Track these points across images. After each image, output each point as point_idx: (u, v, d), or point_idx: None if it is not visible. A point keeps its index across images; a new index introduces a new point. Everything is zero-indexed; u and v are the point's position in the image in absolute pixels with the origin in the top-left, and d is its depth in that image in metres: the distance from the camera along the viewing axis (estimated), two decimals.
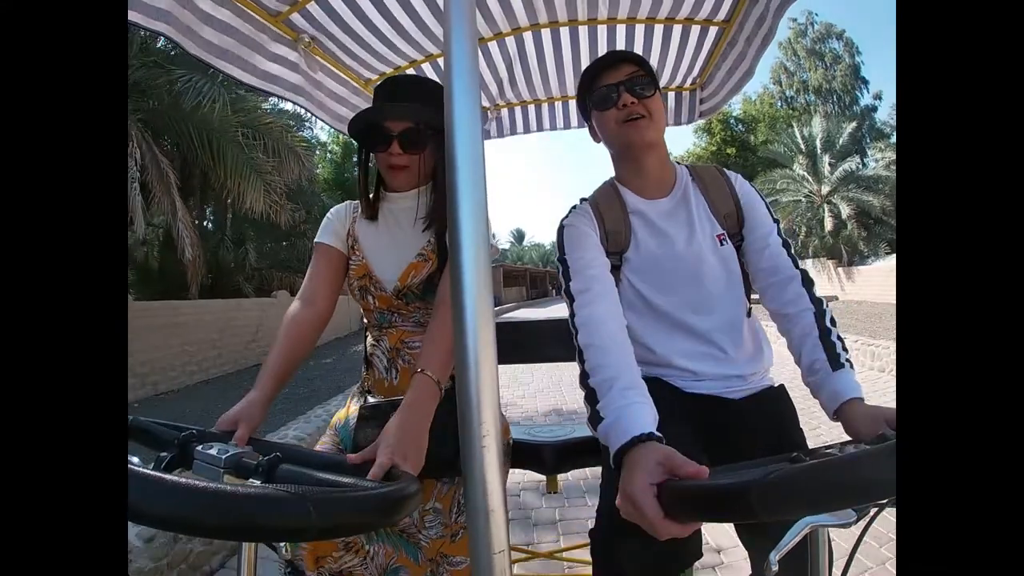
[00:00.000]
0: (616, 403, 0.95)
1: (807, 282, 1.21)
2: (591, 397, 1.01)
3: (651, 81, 1.28)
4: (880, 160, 18.06)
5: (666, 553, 0.98)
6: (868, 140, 21.57)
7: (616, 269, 1.29)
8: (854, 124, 24.90)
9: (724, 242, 1.29)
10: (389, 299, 1.38)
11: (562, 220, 1.34)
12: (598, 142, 1.40)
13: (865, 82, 29.24)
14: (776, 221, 1.31)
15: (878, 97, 28.88)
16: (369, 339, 1.45)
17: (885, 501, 0.60)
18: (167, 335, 8.30)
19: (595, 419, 0.97)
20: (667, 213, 1.31)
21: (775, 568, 0.70)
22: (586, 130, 1.49)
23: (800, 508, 0.61)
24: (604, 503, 1.17)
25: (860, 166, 23.44)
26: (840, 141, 24.35)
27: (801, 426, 1.28)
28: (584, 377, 1.05)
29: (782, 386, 1.35)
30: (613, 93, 1.28)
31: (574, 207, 1.37)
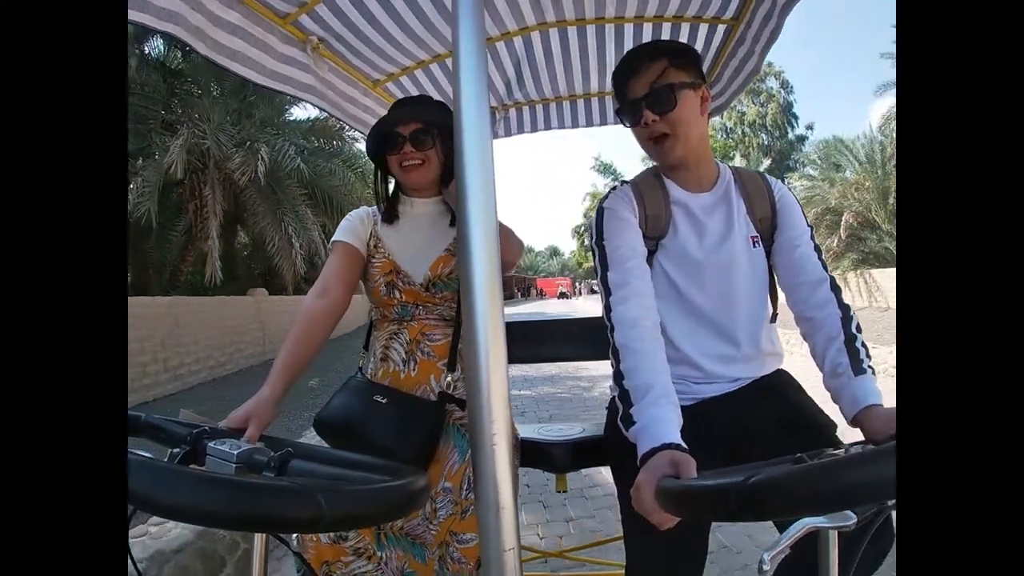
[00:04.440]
0: (648, 411, 1.01)
1: (835, 287, 1.20)
2: (625, 398, 1.06)
3: (670, 88, 1.20)
4: (794, 188, 19.78)
5: (670, 549, 1.09)
6: (800, 168, 23.68)
7: (651, 254, 1.29)
8: (769, 161, 28.59)
9: (756, 244, 1.29)
10: (416, 292, 1.44)
11: (601, 202, 1.33)
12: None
13: (795, 116, 32.45)
14: (810, 227, 1.31)
15: (810, 127, 32.48)
16: (383, 335, 1.48)
17: (889, 504, 0.60)
18: (289, 318, 11.03)
19: (627, 420, 1.03)
20: (708, 208, 1.30)
21: (767, 567, 0.70)
22: (573, 130, 1.50)
23: (782, 510, 0.60)
24: (623, 503, 1.23)
25: None
26: None
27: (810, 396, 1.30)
28: (619, 377, 1.09)
29: (782, 369, 1.36)
30: (637, 110, 1.23)
31: (614, 188, 1.35)
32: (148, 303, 8.19)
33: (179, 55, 10.85)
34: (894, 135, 16.32)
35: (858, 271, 15.07)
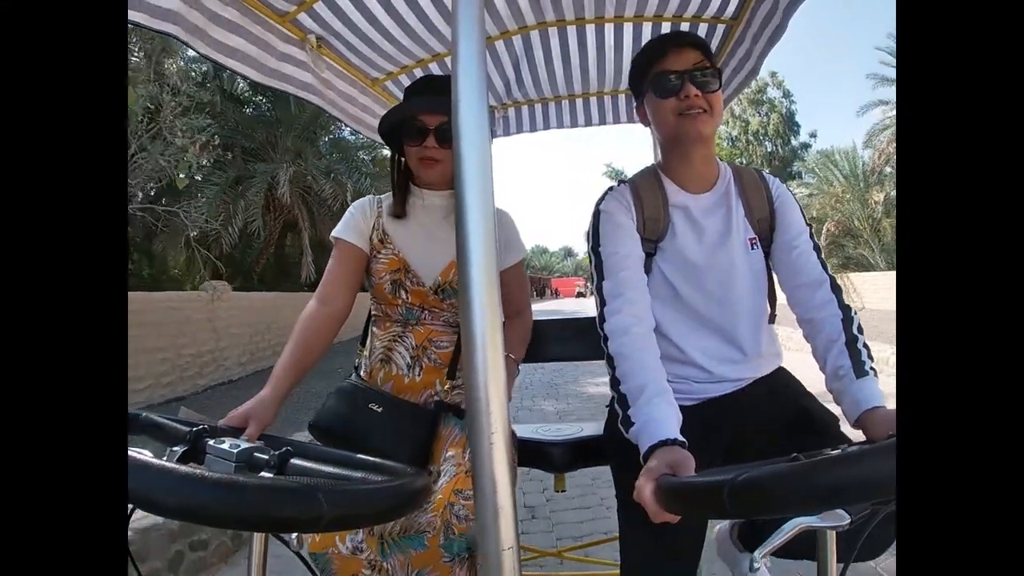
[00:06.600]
0: (644, 410, 1.02)
1: (835, 288, 1.19)
2: (622, 402, 1.07)
3: (716, 74, 1.22)
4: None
5: (667, 547, 1.12)
6: (800, 176, 23.96)
7: (649, 256, 1.27)
8: (769, 169, 28.30)
9: (755, 247, 1.27)
10: (424, 294, 1.39)
11: (597, 204, 1.30)
12: (647, 126, 1.35)
13: (797, 125, 32.59)
14: (809, 225, 1.29)
15: (813, 135, 32.42)
16: (386, 336, 1.44)
17: (884, 503, 0.60)
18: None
19: (626, 423, 1.04)
20: (708, 209, 1.28)
21: (757, 565, 0.70)
22: (580, 130, 1.47)
23: (772, 508, 0.60)
24: (620, 503, 1.25)
25: None
26: None
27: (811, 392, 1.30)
28: (615, 383, 1.11)
29: (781, 367, 1.35)
30: (677, 82, 1.20)
31: (611, 188, 1.32)
32: (260, 297, 10.35)
33: (241, 83, 11.60)
34: (876, 151, 16.97)
35: (838, 275, 15.68)
